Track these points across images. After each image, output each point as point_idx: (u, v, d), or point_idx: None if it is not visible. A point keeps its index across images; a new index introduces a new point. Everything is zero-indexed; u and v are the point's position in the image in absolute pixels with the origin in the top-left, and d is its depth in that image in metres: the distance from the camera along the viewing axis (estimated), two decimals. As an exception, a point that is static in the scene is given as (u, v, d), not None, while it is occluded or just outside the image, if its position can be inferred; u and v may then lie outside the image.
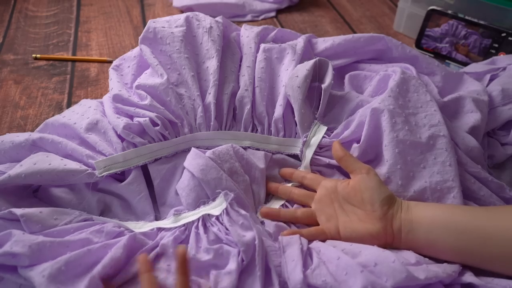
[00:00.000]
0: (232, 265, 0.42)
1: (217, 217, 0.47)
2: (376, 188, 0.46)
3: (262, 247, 0.43)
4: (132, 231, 0.46)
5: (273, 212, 0.51)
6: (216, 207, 0.48)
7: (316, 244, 0.46)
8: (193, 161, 0.50)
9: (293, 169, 0.55)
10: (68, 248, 0.41)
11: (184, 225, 0.47)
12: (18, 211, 0.43)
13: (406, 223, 0.45)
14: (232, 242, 0.44)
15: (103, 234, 0.44)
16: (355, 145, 0.53)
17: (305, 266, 0.42)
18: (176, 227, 0.47)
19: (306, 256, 0.44)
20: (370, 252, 0.42)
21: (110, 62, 0.77)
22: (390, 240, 0.46)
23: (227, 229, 0.45)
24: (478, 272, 0.44)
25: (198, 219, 0.47)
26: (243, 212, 0.46)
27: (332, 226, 0.48)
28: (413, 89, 0.55)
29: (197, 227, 0.47)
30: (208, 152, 0.51)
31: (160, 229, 0.48)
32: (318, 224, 0.50)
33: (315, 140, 0.56)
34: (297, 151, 0.58)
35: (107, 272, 0.41)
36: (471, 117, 0.58)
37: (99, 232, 0.44)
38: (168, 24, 0.62)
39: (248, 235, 0.44)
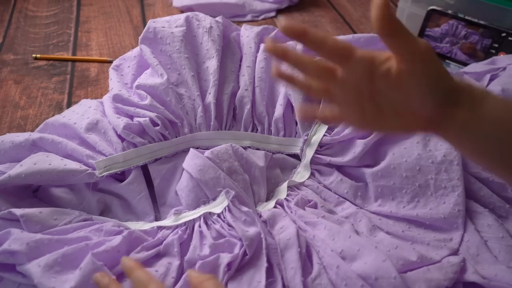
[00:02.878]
0: (235, 252, 0.43)
1: (219, 215, 0.47)
2: (433, 82, 0.32)
3: (266, 242, 0.43)
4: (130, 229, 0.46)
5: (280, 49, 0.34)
6: (217, 206, 0.48)
7: (315, 242, 0.46)
8: (191, 161, 0.50)
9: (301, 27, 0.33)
10: (66, 245, 0.42)
11: (185, 223, 0.47)
12: (18, 211, 0.43)
13: (463, 126, 0.33)
14: (236, 237, 0.44)
15: (102, 233, 0.44)
16: (359, 141, 0.54)
17: (305, 271, 0.42)
18: (177, 225, 0.47)
19: (306, 260, 0.44)
20: (370, 260, 0.42)
21: (110, 62, 0.77)
22: (429, 130, 0.35)
23: (229, 225, 0.45)
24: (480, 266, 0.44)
25: (200, 217, 0.47)
26: (245, 208, 0.46)
27: (355, 116, 0.36)
28: None
29: (199, 226, 0.47)
30: (207, 152, 0.51)
31: (160, 228, 0.48)
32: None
33: (316, 138, 0.56)
34: (297, 150, 0.58)
35: (104, 259, 0.41)
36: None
37: (98, 231, 0.44)
38: (168, 24, 0.62)
39: (252, 230, 0.44)
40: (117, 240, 0.43)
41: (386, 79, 0.33)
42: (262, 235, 0.43)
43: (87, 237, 0.43)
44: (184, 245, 0.45)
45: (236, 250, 0.43)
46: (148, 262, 0.44)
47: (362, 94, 0.34)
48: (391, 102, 0.34)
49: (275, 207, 0.51)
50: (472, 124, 0.33)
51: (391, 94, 0.33)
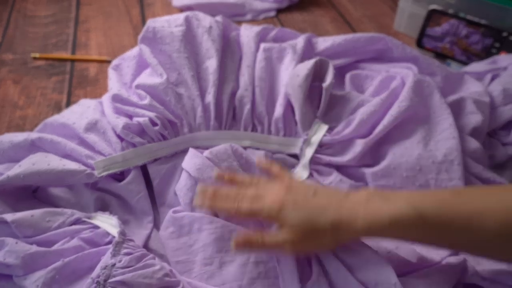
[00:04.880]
0: None
1: None
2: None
3: None
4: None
5: None
6: None
7: None
8: (190, 160, 0.50)
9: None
10: (62, 256, 0.41)
11: None
12: (9, 217, 0.42)
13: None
14: None
15: (93, 243, 0.44)
16: (359, 140, 0.53)
17: (304, 276, 0.42)
18: None
19: (304, 264, 0.43)
20: (371, 265, 0.41)
21: (110, 61, 0.77)
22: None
23: None
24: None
25: None
26: None
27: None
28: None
29: None
30: (206, 152, 0.51)
31: None
32: None
33: (316, 138, 0.56)
34: (297, 150, 0.57)
35: None
36: (472, 118, 0.58)
37: (89, 241, 0.44)
38: (167, 24, 0.62)
39: None
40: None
41: None
42: None
43: (80, 246, 0.42)
44: None
45: None
46: None
47: None
48: None
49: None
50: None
51: None
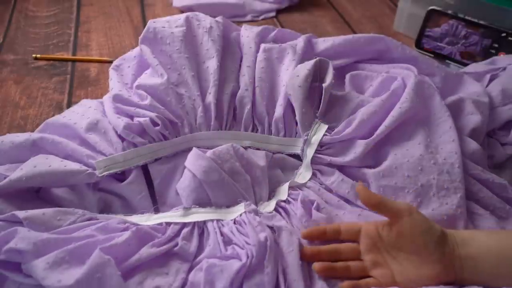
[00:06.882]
0: (238, 262, 0.42)
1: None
2: (426, 229, 0.42)
3: (274, 249, 0.44)
4: (137, 225, 0.46)
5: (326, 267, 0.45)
6: (231, 213, 0.49)
7: None
8: (196, 162, 0.50)
9: (321, 228, 0.47)
10: (73, 242, 0.41)
11: (194, 223, 0.48)
12: (21, 213, 0.42)
13: (467, 261, 0.41)
14: (239, 245, 0.44)
15: (107, 231, 0.44)
16: (360, 141, 0.54)
17: (308, 281, 0.43)
18: (185, 223, 0.47)
19: (311, 273, 0.44)
20: None
21: (110, 62, 0.77)
22: (452, 279, 0.42)
23: (238, 231, 0.46)
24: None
25: (212, 220, 0.48)
26: (258, 218, 0.47)
27: (388, 278, 0.43)
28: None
29: (211, 228, 0.47)
30: (209, 152, 0.51)
31: (168, 223, 0.47)
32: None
33: (316, 138, 0.56)
34: (297, 150, 0.58)
35: (114, 253, 0.40)
36: (471, 119, 0.58)
37: (103, 229, 0.44)
38: (168, 24, 0.62)
39: (262, 235, 0.44)
40: (126, 234, 0.42)
41: (390, 234, 0.44)
42: (269, 242, 0.43)
43: (93, 235, 0.43)
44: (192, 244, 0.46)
45: (244, 257, 0.43)
46: (158, 263, 0.43)
47: (381, 252, 0.44)
48: (406, 256, 0.43)
49: (275, 209, 0.51)
50: (473, 261, 0.41)
51: (400, 248, 0.43)
